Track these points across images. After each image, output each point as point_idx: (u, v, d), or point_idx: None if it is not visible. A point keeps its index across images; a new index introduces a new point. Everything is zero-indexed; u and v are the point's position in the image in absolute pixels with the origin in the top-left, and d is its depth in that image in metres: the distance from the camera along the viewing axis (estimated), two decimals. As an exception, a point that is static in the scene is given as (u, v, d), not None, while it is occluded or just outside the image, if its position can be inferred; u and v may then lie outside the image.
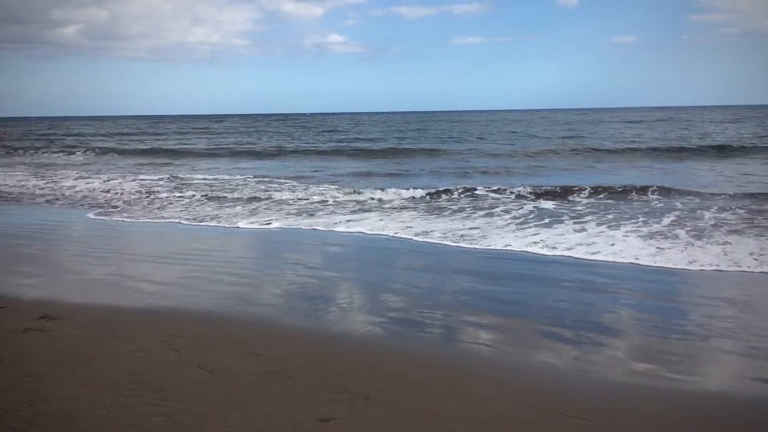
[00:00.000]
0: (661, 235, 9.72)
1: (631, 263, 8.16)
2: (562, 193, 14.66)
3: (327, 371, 4.62)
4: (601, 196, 14.31)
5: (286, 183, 18.22)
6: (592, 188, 14.93)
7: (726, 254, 8.36)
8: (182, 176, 20.63)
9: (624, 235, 9.72)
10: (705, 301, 6.52)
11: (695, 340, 5.39)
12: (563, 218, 11.47)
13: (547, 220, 11.31)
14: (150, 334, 5.41)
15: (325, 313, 6.23)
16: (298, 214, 12.80)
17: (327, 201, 14.59)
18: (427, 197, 14.97)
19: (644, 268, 7.95)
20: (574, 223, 10.99)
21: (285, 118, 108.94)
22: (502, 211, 12.52)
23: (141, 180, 19.78)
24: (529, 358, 5.05)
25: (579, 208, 12.75)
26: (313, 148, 33.05)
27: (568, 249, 8.88)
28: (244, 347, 5.11)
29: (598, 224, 10.74)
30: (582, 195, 14.39)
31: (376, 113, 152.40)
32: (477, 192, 15.32)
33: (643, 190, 14.69)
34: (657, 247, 8.83)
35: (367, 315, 6.15)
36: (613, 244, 9.10)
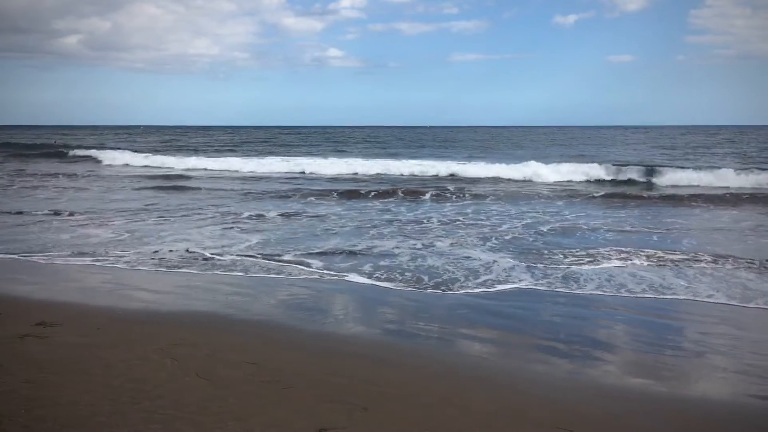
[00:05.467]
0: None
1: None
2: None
3: (325, 381, 4.63)
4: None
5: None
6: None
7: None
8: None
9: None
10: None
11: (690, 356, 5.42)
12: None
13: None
14: (148, 342, 5.41)
15: (322, 324, 6.25)
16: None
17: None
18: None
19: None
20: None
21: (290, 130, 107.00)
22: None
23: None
24: (526, 372, 5.07)
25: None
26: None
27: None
28: (243, 356, 5.11)
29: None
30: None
31: (378, 127, 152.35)
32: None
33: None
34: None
35: (365, 326, 6.17)
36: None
